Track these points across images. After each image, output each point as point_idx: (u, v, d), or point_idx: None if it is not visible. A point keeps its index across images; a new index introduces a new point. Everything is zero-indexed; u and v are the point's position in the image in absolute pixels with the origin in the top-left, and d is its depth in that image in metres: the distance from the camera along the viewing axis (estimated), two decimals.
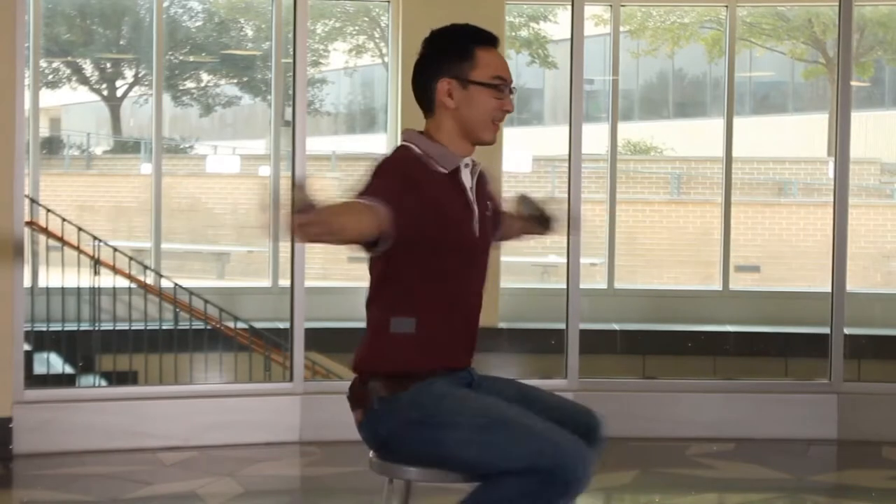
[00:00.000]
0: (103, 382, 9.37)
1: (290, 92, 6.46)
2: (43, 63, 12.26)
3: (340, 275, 12.28)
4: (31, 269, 9.64)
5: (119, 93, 14.89)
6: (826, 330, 6.45)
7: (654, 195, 14.60)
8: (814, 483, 5.71)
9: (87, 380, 9.54)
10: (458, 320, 3.15)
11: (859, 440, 6.25)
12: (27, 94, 8.69)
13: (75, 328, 9.44)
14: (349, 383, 3.17)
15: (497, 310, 10.14)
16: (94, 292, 9.31)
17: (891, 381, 7.84)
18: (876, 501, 5.39)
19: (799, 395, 6.39)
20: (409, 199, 2.95)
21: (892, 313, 11.59)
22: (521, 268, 12.73)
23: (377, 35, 14.55)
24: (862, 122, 12.99)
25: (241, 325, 9.72)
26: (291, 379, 6.24)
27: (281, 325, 9.28)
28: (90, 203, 13.63)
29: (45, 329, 9.25)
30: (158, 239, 11.11)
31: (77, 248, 9.37)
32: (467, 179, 3.15)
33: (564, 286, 6.43)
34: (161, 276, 10.11)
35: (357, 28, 15.01)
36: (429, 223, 3.01)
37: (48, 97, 14.14)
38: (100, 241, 9.31)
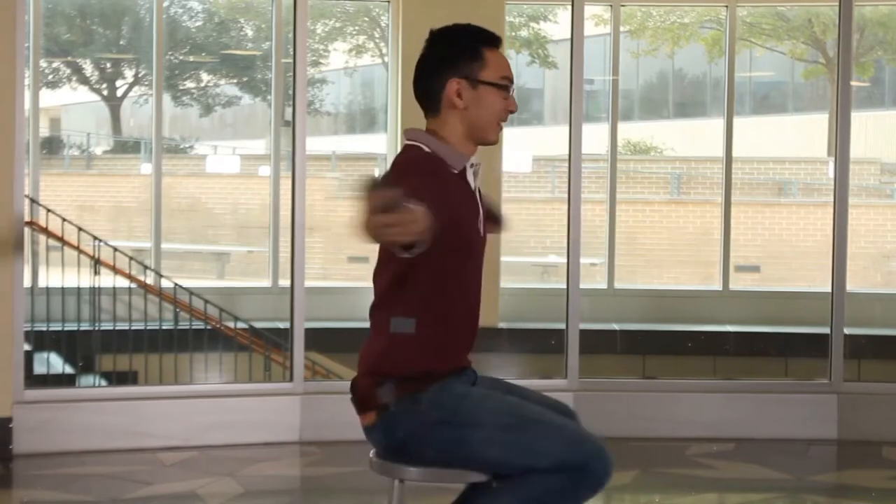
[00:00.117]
0: (103, 382, 9.36)
1: (290, 92, 6.46)
2: (43, 63, 12.26)
3: (340, 275, 12.30)
4: (31, 269, 9.63)
5: (119, 93, 14.88)
6: (826, 330, 6.45)
7: (654, 195, 14.58)
8: (814, 483, 5.71)
9: (87, 380, 9.54)
10: (465, 319, 3.14)
11: (859, 440, 6.25)
12: (27, 94, 8.69)
13: (75, 328, 9.44)
14: (349, 384, 3.14)
15: (497, 310, 10.14)
16: (94, 292, 9.31)
17: (891, 381, 7.84)
18: (876, 501, 5.39)
19: (799, 395, 6.39)
20: (441, 201, 2.88)
21: (892, 313, 11.59)
22: (521, 268, 12.73)
23: (377, 35, 14.54)
24: (862, 122, 12.97)
25: (241, 325, 9.71)
26: (291, 379, 6.23)
27: (281, 325, 9.28)
28: (90, 203, 13.62)
29: (45, 329, 9.25)
30: (158, 239, 11.10)
31: (77, 248, 9.37)
32: (472, 179, 3.14)
33: (564, 286, 6.43)
34: (161, 276, 10.11)
35: (357, 28, 15.00)
36: (453, 225, 2.97)
37: (48, 97, 14.12)
38: (100, 241, 9.31)
